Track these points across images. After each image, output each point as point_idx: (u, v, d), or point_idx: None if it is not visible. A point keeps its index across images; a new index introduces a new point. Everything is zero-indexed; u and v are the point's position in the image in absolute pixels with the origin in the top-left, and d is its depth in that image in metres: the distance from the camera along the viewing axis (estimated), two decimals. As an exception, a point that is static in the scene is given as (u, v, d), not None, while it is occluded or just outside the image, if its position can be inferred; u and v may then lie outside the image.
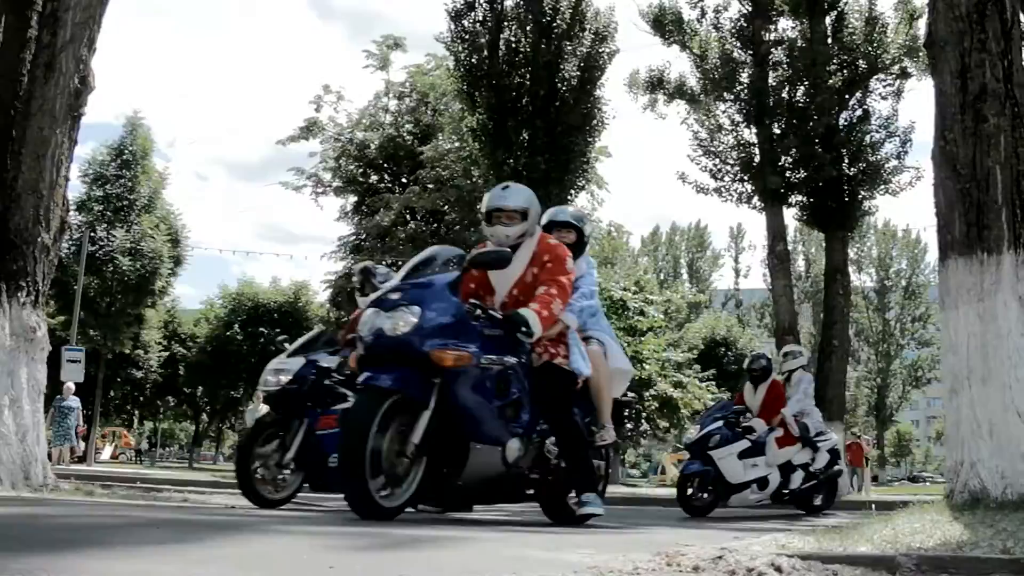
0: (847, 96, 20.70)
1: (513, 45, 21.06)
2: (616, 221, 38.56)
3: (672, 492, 13.73)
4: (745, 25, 20.78)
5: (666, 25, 21.35)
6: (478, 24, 21.15)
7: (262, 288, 45.15)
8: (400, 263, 28.36)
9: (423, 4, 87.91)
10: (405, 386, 5.25)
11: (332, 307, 32.84)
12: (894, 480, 66.95)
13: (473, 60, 21.12)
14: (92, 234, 33.87)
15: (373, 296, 6.05)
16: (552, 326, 5.98)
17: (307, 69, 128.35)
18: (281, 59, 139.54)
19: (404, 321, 5.32)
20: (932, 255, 53.97)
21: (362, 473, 5.01)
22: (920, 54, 18.97)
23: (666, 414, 31.54)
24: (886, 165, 20.90)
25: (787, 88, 20.62)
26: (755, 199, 20.82)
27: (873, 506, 9.06)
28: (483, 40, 20.99)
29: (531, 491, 6.44)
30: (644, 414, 28.67)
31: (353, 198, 31.61)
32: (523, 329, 5.73)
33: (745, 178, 20.79)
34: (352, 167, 31.33)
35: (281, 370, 8.26)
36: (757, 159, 20.52)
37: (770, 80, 20.68)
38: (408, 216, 29.40)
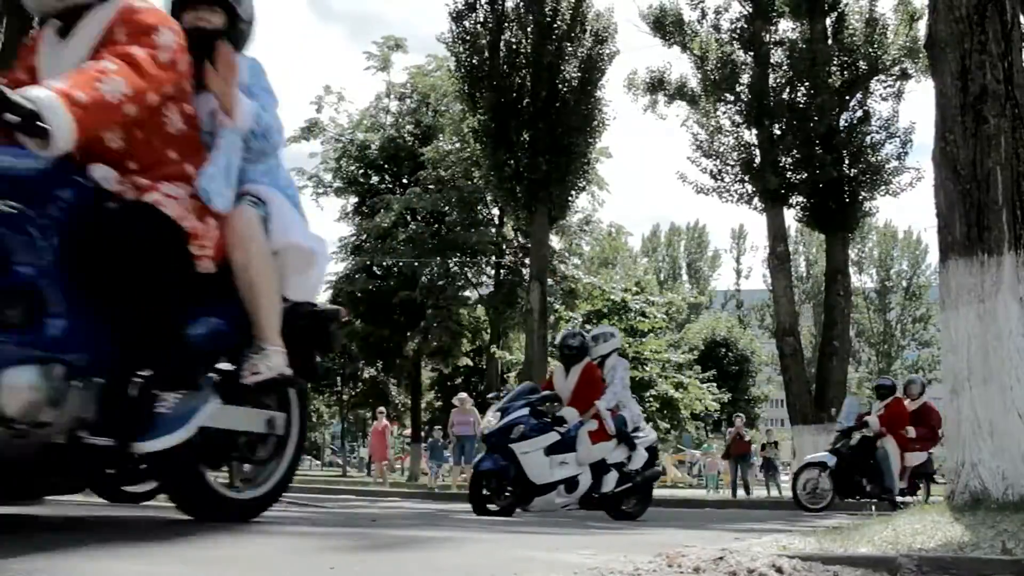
0: (847, 97, 20.72)
1: (514, 46, 21.07)
2: (616, 222, 38.76)
3: (672, 493, 13.80)
4: (745, 26, 20.79)
5: (666, 26, 21.36)
6: (479, 25, 21.16)
7: (263, 289, 45.14)
8: (401, 264, 28.39)
9: (423, 6, 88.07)
10: None
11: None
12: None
13: (474, 61, 21.13)
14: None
15: None
16: (103, 125, 3.26)
17: (307, 71, 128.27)
18: (281, 60, 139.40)
19: None
20: (933, 256, 53.97)
21: None
22: (920, 55, 18.98)
23: (667, 415, 31.57)
24: (886, 166, 20.92)
25: (787, 89, 20.63)
26: (755, 200, 20.84)
27: (873, 507, 9.06)
28: (484, 41, 21.00)
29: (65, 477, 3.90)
30: (645, 415, 28.71)
31: (354, 199, 31.65)
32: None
33: (745, 179, 20.80)
34: (353, 168, 31.35)
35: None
36: (757, 160, 20.53)
37: (770, 81, 20.69)
38: (409, 217, 29.41)
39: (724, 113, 21.27)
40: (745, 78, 20.74)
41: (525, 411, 9.62)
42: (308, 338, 4.27)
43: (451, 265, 29.23)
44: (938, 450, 13.60)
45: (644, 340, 28.82)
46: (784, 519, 10.92)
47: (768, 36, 20.85)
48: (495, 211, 29.44)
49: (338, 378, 37.81)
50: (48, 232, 3.06)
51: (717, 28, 21.19)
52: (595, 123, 21.28)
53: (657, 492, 13.43)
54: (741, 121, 20.91)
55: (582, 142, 21.03)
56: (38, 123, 2.87)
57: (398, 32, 40.16)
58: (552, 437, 9.57)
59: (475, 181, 27.15)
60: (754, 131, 20.74)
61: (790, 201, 20.85)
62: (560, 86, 20.77)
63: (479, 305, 30.77)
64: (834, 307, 20.81)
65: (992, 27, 6.13)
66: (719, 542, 4.11)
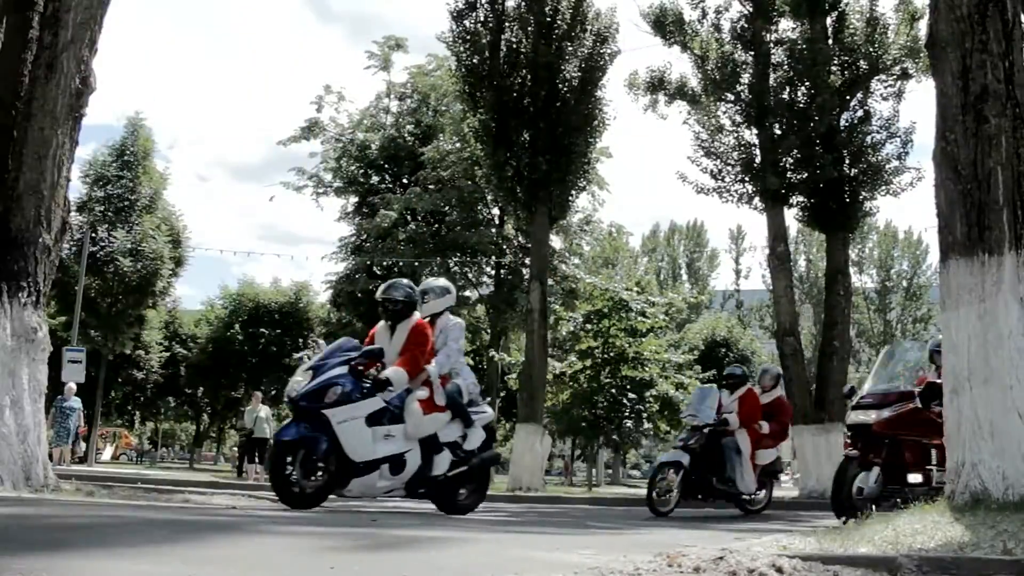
0: (848, 97, 20.69)
1: (514, 46, 21.05)
2: (617, 222, 38.79)
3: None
4: (746, 26, 20.76)
5: (667, 26, 21.33)
6: (479, 25, 21.13)
7: (263, 289, 45.13)
8: (401, 264, 28.35)
9: (422, 7, 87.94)
10: None
11: (333, 308, 32.84)
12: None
13: (474, 61, 21.10)
14: (93, 235, 33.84)
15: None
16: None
17: (306, 72, 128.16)
18: (280, 62, 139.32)
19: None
20: (933, 256, 53.96)
21: None
22: (921, 55, 18.96)
23: (667, 415, 31.52)
24: (887, 166, 20.88)
25: (788, 89, 20.59)
26: (756, 200, 20.80)
27: (873, 507, 9.07)
28: (484, 41, 20.97)
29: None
30: (645, 415, 28.68)
31: (354, 199, 31.64)
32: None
33: (746, 179, 20.78)
34: (353, 168, 31.35)
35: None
36: (758, 160, 20.51)
37: (771, 81, 20.66)
38: (409, 217, 29.41)
39: (724, 113, 21.24)
40: (745, 78, 20.71)
41: (343, 369, 7.96)
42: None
43: (451, 265, 29.22)
44: (786, 447, 13.06)
45: (644, 340, 28.74)
46: (784, 519, 10.92)
47: (768, 36, 20.83)
48: (495, 211, 29.44)
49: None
50: None
51: (717, 28, 21.16)
52: (595, 123, 21.25)
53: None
54: (741, 121, 20.88)
55: (582, 142, 21.00)
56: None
57: (398, 32, 40.33)
58: (375, 404, 8.00)
59: (475, 181, 27.13)
60: (754, 131, 20.71)
61: (790, 201, 20.82)
62: (560, 86, 20.75)
63: (479, 305, 30.76)
64: (834, 307, 20.79)
65: (993, 26, 6.12)
66: (719, 542, 4.11)
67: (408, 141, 30.89)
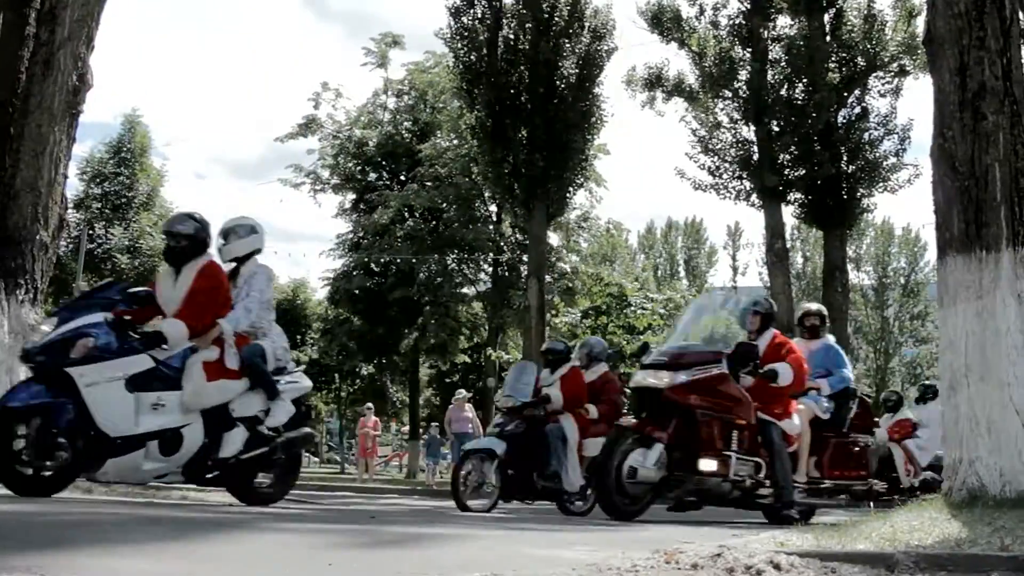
0: (846, 94, 20.71)
1: (512, 43, 21.05)
2: (615, 219, 38.80)
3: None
4: (743, 23, 20.78)
5: (664, 23, 21.35)
6: (477, 22, 21.13)
7: (260, 286, 45.12)
8: (398, 260, 28.36)
9: (420, 5, 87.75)
10: None
11: (330, 305, 32.81)
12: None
13: (472, 58, 21.11)
14: (90, 232, 33.80)
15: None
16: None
17: (304, 70, 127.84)
18: (278, 60, 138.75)
19: None
20: (931, 253, 53.99)
21: None
22: (919, 52, 18.98)
23: (664, 411, 31.55)
24: (884, 163, 20.92)
25: (786, 86, 20.62)
26: (753, 196, 20.82)
27: (872, 504, 9.05)
28: (482, 38, 20.97)
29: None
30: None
31: (351, 195, 31.57)
32: None
33: (744, 175, 20.80)
34: (350, 165, 31.28)
35: None
36: (756, 156, 20.52)
37: (769, 78, 20.68)
38: (406, 214, 29.35)
39: (722, 110, 21.27)
40: (743, 74, 20.74)
41: (99, 317, 6.14)
42: None
43: (449, 262, 29.18)
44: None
45: (642, 337, 28.73)
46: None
47: (766, 32, 20.84)
48: (493, 208, 29.39)
49: (336, 375, 37.76)
50: None
51: (715, 24, 21.18)
52: (593, 120, 21.26)
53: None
54: (739, 118, 20.90)
55: (580, 139, 21.01)
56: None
57: (396, 30, 40.41)
58: (142, 363, 6.17)
59: (473, 178, 27.11)
60: (752, 128, 20.73)
61: (788, 198, 20.84)
62: (558, 83, 20.75)
63: (476, 301, 30.75)
64: (832, 304, 20.79)
65: (991, 23, 6.12)
66: (717, 539, 4.12)
67: (406, 138, 30.83)
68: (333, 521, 5.34)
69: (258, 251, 7.30)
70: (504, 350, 29.94)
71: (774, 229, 20.66)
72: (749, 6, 20.67)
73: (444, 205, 28.81)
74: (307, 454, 65.40)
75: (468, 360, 34.61)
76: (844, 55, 20.55)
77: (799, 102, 20.31)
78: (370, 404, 25.72)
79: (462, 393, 20.98)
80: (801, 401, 8.84)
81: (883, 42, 20.49)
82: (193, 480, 6.67)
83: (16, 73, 7.45)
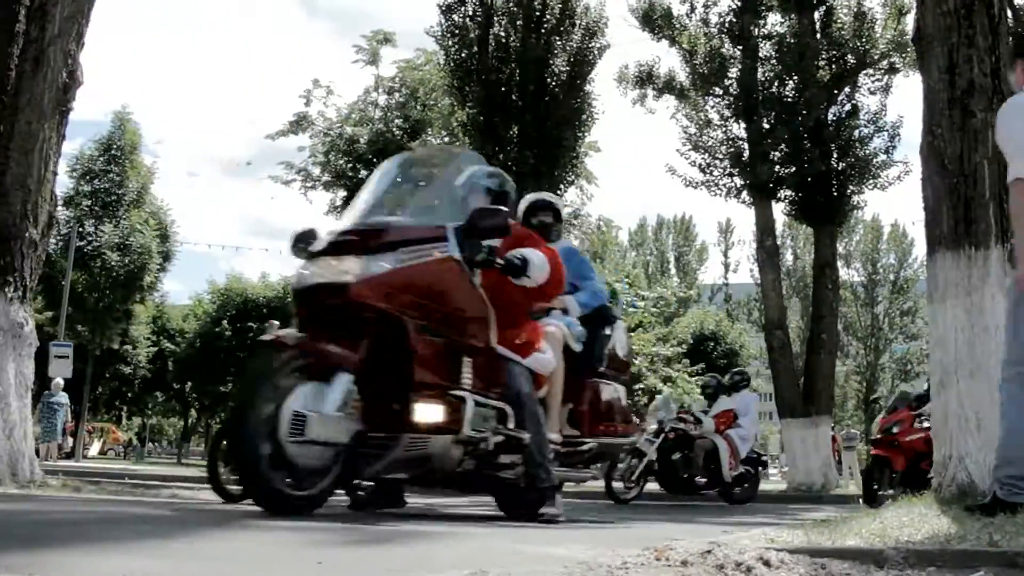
0: (836, 91, 20.74)
1: (503, 40, 21.04)
2: (606, 216, 38.70)
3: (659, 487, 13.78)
4: (734, 20, 20.81)
5: (655, 20, 21.36)
6: (468, 19, 21.12)
7: (251, 283, 45.06)
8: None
9: (410, 4, 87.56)
10: None
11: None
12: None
13: (463, 55, 21.10)
14: (80, 229, 33.75)
15: None
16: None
17: (295, 68, 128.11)
18: (269, 58, 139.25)
19: None
20: (920, 249, 54.16)
21: None
22: (908, 49, 19.03)
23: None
24: (874, 160, 20.96)
25: (776, 83, 20.65)
26: (744, 194, 20.85)
27: (860, 500, 9.09)
28: (473, 35, 20.96)
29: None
30: (634, 409, 28.70)
31: (342, 193, 31.49)
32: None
33: (734, 172, 20.82)
34: (341, 162, 31.23)
35: None
36: (746, 154, 20.55)
37: (759, 75, 20.71)
38: (397, 211, 29.34)
39: (713, 107, 21.30)
40: (734, 72, 20.77)
41: None
42: None
43: (440, 259, 29.19)
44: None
45: (632, 334, 28.71)
46: (773, 513, 10.96)
47: (757, 30, 20.87)
48: (484, 205, 29.42)
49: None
50: None
51: (706, 22, 21.20)
52: (584, 117, 21.27)
53: (647, 487, 13.37)
54: (730, 115, 20.93)
55: (571, 136, 21.01)
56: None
57: (387, 28, 40.21)
58: None
59: (464, 175, 27.05)
60: (743, 125, 20.77)
61: (778, 195, 20.87)
62: (549, 80, 20.75)
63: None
64: (822, 301, 20.85)
65: (979, 21, 6.15)
66: (707, 536, 4.12)
67: (396, 135, 30.79)
68: (324, 518, 5.33)
69: None
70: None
71: (764, 226, 20.69)
72: (740, 4, 20.71)
73: (435, 202, 28.77)
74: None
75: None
76: (834, 52, 20.59)
77: (789, 99, 20.35)
78: None
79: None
80: (548, 323, 6.27)
81: (873, 39, 20.54)
82: None
83: (5, 70, 7.41)
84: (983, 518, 4.08)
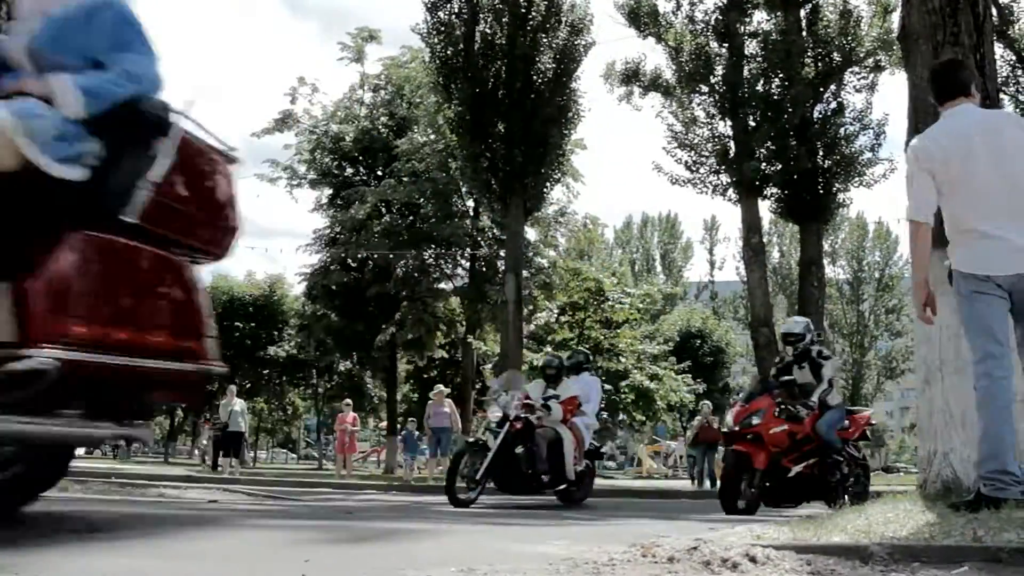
0: (821, 89, 20.81)
1: (489, 37, 21.01)
2: (592, 213, 38.78)
3: (647, 484, 13.81)
4: (720, 17, 20.84)
5: (641, 17, 21.38)
6: (454, 16, 21.08)
7: (237, 282, 44.86)
8: (375, 256, 28.31)
9: (395, 1, 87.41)
10: None
11: (308, 300, 32.72)
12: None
13: (449, 52, 21.06)
14: (64, 228, 33.56)
15: None
16: None
17: (280, 66, 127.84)
18: (254, 56, 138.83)
19: None
20: (904, 247, 54.38)
21: None
22: (894, 47, 19.09)
23: (642, 406, 31.63)
24: (860, 157, 21.04)
25: (762, 81, 20.70)
26: (730, 191, 20.90)
27: (847, 496, 9.11)
28: (459, 32, 20.93)
29: None
30: (620, 406, 28.74)
31: (328, 191, 31.47)
32: None
33: (720, 170, 20.87)
34: (327, 160, 31.18)
35: None
36: (732, 151, 20.59)
37: (745, 73, 20.76)
38: (383, 209, 29.28)
39: (699, 104, 21.33)
40: (719, 69, 20.80)
41: None
42: None
43: (426, 257, 29.15)
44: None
45: (619, 332, 28.85)
46: (759, 510, 10.95)
47: (742, 27, 20.91)
48: (470, 203, 29.37)
49: (313, 371, 37.61)
50: None
51: (692, 19, 21.23)
52: (570, 114, 21.27)
53: (633, 484, 13.34)
54: (715, 112, 20.97)
55: (557, 133, 21.01)
56: None
57: (372, 25, 40.05)
58: None
59: (450, 173, 27.07)
60: (728, 122, 20.81)
61: (764, 192, 20.93)
62: (535, 77, 20.73)
63: (454, 297, 30.73)
64: (808, 298, 20.91)
65: (964, 19, 6.17)
66: (693, 532, 4.13)
67: (382, 133, 30.75)
68: (311, 517, 5.33)
69: None
70: (483, 343, 29.95)
71: (750, 224, 20.74)
72: (726, 1, 20.74)
73: (421, 200, 28.76)
74: (285, 450, 65.26)
75: (446, 355, 34.60)
76: (820, 50, 20.65)
77: (775, 97, 20.39)
78: (348, 400, 25.65)
79: (440, 388, 20.97)
80: None
81: (859, 38, 20.61)
82: None
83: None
84: (967, 514, 4.10)
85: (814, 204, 20.72)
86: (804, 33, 20.77)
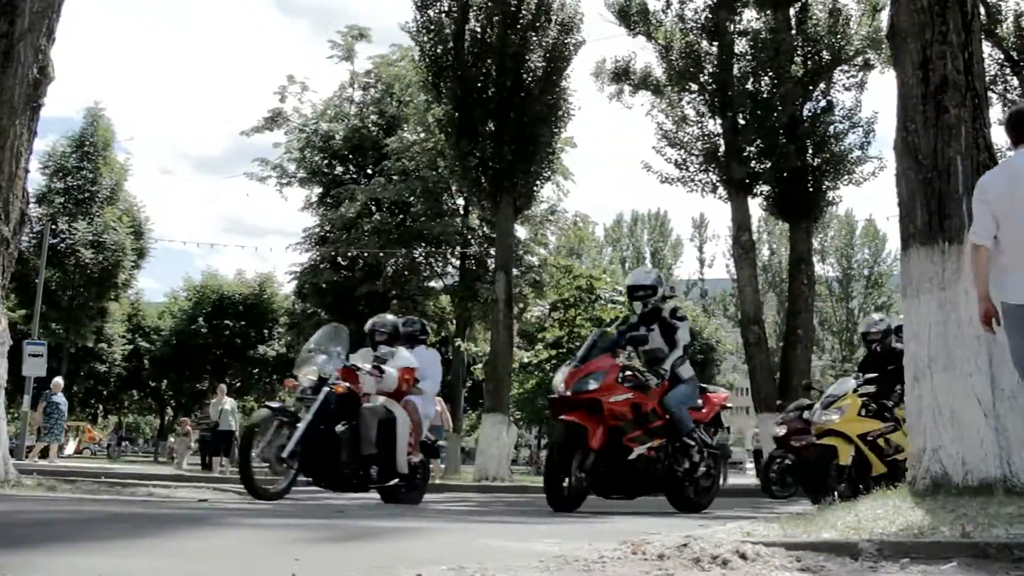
0: (811, 87, 20.85)
1: (479, 36, 20.97)
2: (582, 212, 38.72)
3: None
4: (710, 16, 20.85)
5: (631, 16, 21.39)
6: (444, 14, 21.04)
7: (226, 281, 44.79)
8: (365, 255, 28.27)
9: (385, 1, 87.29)
10: None
11: (297, 299, 32.67)
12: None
13: (439, 51, 21.01)
14: (53, 226, 33.42)
15: None
16: None
17: (270, 64, 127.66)
18: (243, 54, 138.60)
19: None
20: (894, 244, 54.50)
21: None
22: (883, 46, 19.13)
23: (633, 404, 31.58)
24: (849, 155, 21.10)
25: (751, 79, 20.72)
26: (720, 189, 20.92)
27: (836, 493, 9.11)
28: (449, 30, 20.89)
29: None
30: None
31: (318, 189, 31.43)
32: None
33: (710, 168, 20.89)
34: (317, 158, 31.14)
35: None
36: (722, 149, 20.61)
37: (734, 71, 20.78)
38: (373, 207, 29.27)
39: (688, 103, 21.35)
40: (709, 68, 20.82)
41: None
42: None
43: (416, 255, 29.14)
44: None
45: (610, 328, 28.80)
46: (748, 506, 10.99)
47: (732, 26, 20.93)
48: (460, 201, 29.36)
49: (304, 370, 37.45)
50: None
51: (682, 17, 21.23)
52: (560, 113, 21.25)
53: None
54: (705, 111, 20.99)
55: (547, 132, 20.98)
56: None
57: (362, 23, 39.91)
58: None
59: (440, 171, 27.06)
60: (718, 121, 20.83)
61: (754, 190, 20.96)
62: (525, 76, 20.70)
63: (444, 295, 30.71)
64: (798, 296, 20.96)
65: (953, 18, 6.19)
66: (683, 529, 4.14)
67: (372, 131, 30.72)
68: (300, 516, 5.32)
69: None
70: (472, 343, 29.92)
71: (740, 221, 20.77)
72: (715, 0, 20.76)
73: (411, 199, 28.74)
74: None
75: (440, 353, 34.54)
76: (809, 49, 20.70)
77: (765, 95, 20.42)
78: None
79: (430, 387, 20.90)
80: None
81: (848, 36, 20.66)
82: None
83: (-25, 66, 7.32)
84: (956, 510, 4.11)
85: (803, 202, 20.77)
86: (793, 31, 20.81)
